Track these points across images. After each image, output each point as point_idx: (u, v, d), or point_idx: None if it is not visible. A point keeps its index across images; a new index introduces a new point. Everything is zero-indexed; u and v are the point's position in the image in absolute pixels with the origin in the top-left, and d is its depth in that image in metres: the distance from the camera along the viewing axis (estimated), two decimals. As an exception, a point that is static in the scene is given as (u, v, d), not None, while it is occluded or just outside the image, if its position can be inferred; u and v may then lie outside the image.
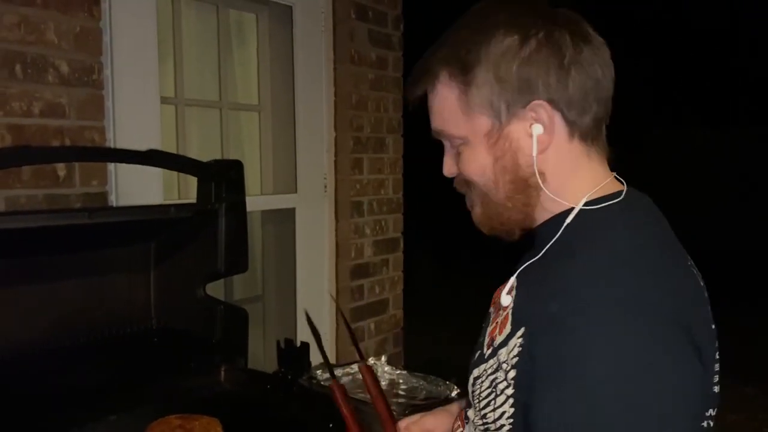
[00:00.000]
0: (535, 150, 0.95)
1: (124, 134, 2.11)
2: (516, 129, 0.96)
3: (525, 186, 0.97)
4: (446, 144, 1.05)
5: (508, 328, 0.94)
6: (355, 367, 2.16)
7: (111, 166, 2.07)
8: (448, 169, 1.05)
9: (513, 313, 0.95)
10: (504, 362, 0.92)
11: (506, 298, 0.99)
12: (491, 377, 0.95)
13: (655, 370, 0.82)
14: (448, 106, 0.99)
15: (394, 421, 1.32)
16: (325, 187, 3.00)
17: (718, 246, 9.22)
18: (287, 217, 2.92)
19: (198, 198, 1.94)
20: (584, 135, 0.96)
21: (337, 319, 3.03)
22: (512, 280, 1.00)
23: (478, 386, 0.98)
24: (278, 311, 3.01)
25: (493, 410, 0.95)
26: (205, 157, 2.07)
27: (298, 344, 2.05)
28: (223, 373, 1.96)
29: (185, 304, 2.00)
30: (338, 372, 2.01)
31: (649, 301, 0.84)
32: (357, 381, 2.08)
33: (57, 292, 1.79)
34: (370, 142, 3.12)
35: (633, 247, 0.90)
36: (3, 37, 1.79)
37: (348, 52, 2.96)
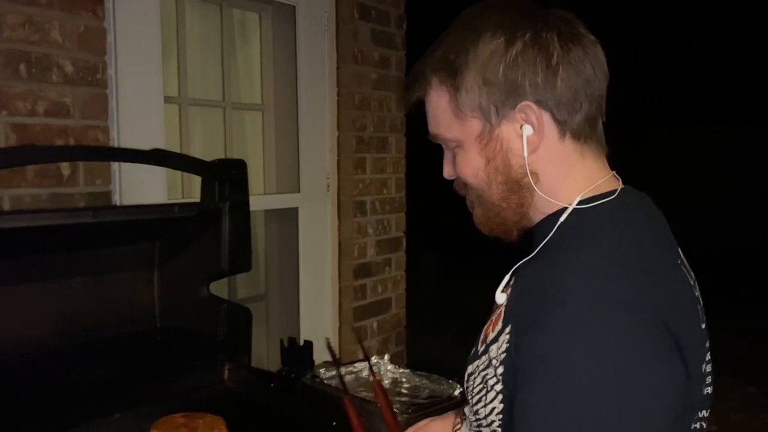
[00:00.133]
0: (526, 151, 0.96)
1: (128, 134, 2.12)
2: (506, 130, 0.97)
3: (518, 187, 0.99)
4: (444, 147, 1.06)
5: (499, 325, 0.95)
6: (358, 366, 2.17)
7: (115, 165, 2.08)
8: (447, 172, 1.07)
9: (505, 311, 0.96)
10: (494, 358, 0.94)
11: (500, 296, 1.00)
12: (483, 373, 0.96)
13: (630, 366, 0.82)
14: (440, 111, 1.01)
15: (399, 429, 1.34)
16: (328, 186, 3.00)
17: (720, 246, 9.23)
18: (290, 216, 2.92)
19: (202, 197, 1.94)
20: (576, 134, 0.97)
21: (340, 319, 3.04)
22: (506, 278, 1.02)
23: (471, 382, 0.99)
24: (281, 310, 3.02)
25: (484, 406, 0.96)
26: (208, 156, 2.08)
27: (302, 343, 2.06)
28: (226, 371, 1.96)
29: (189, 302, 2.00)
30: (342, 370, 2.02)
31: (626, 298, 0.84)
32: (360, 379, 2.09)
33: (61, 291, 1.80)
34: (373, 142, 3.12)
35: (618, 244, 0.90)
36: (7, 36, 1.79)
37: (351, 52, 2.97)
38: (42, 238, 1.64)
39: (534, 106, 0.94)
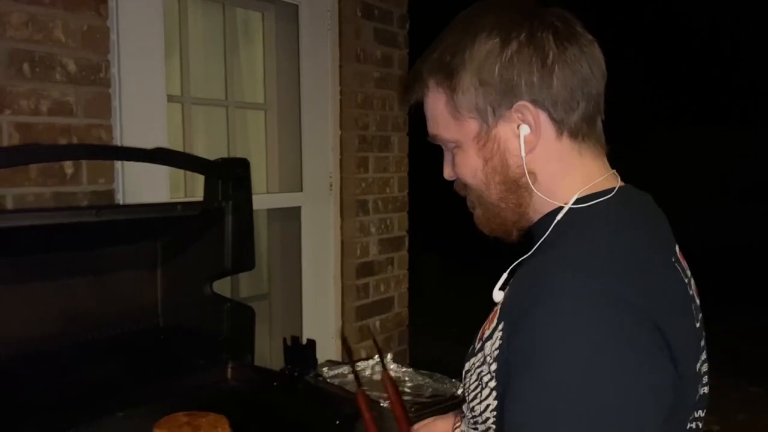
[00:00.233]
0: (523, 150, 0.96)
1: (131, 132, 2.12)
2: (503, 130, 0.97)
3: (516, 187, 0.99)
4: (444, 148, 1.07)
5: (494, 323, 0.96)
6: (362, 364, 2.17)
7: (118, 164, 2.08)
8: (447, 172, 1.07)
9: (500, 308, 0.97)
10: (488, 355, 0.94)
11: (498, 295, 1.01)
12: (478, 370, 0.96)
13: (613, 362, 0.82)
14: (438, 112, 1.01)
15: (410, 423, 1.34)
16: (331, 185, 3.00)
17: (720, 246, 9.21)
18: (293, 215, 2.92)
19: (205, 196, 1.94)
20: (573, 133, 0.97)
21: (343, 317, 3.04)
22: (504, 276, 1.02)
23: (468, 380, 1.00)
24: (284, 309, 3.02)
25: (480, 403, 0.96)
26: (210, 155, 2.08)
27: (305, 342, 2.06)
28: (230, 370, 1.96)
29: (192, 301, 2.00)
30: (347, 368, 2.02)
31: (611, 295, 0.84)
32: (363, 378, 2.09)
33: (64, 290, 1.80)
34: (376, 141, 3.12)
35: (609, 241, 0.90)
36: (11, 35, 1.80)
37: (353, 51, 2.97)
38: (45, 236, 1.64)
39: (530, 105, 0.95)
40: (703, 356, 0.98)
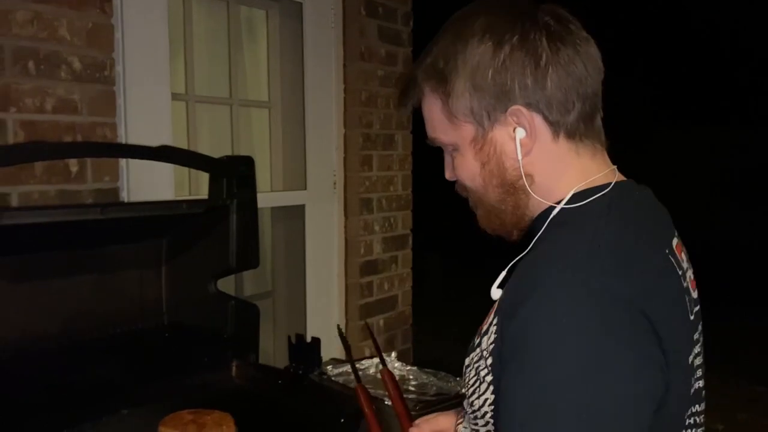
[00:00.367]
0: (520, 154, 0.97)
1: (136, 130, 2.12)
2: (499, 134, 0.98)
3: (513, 189, 0.99)
4: (444, 150, 1.07)
5: (491, 318, 0.97)
6: (365, 363, 2.17)
7: (123, 162, 2.08)
8: (448, 174, 1.08)
9: (498, 305, 0.98)
10: (485, 350, 0.95)
11: (495, 292, 1.01)
12: (476, 365, 0.97)
13: (599, 353, 0.82)
14: (435, 116, 1.02)
15: (411, 418, 1.35)
16: (335, 183, 3.00)
17: (723, 247, 9.20)
18: (297, 213, 2.92)
19: (210, 194, 1.94)
20: (570, 133, 0.97)
21: (347, 316, 3.04)
22: (502, 274, 1.03)
23: (467, 375, 1.00)
24: (288, 307, 3.02)
25: (478, 398, 0.97)
26: (215, 153, 2.08)
27: (309, 340, 2.06)
28: (234, 368, 1.96)
29: (197, 299, 2.00)
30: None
31: (596, 287, 0.84)
32: (367, 377, 2.09)
33: (69, 288, 1.80)
34: (380, 139, 3.12)
35: (599, 235, 0.90)
36: (16, 33, 1.80)
37: (357, 49, 2.96)
38: (50, 234, 1.64)
39: (524, 109, 0.95)
40: (697, 349, 0.98)
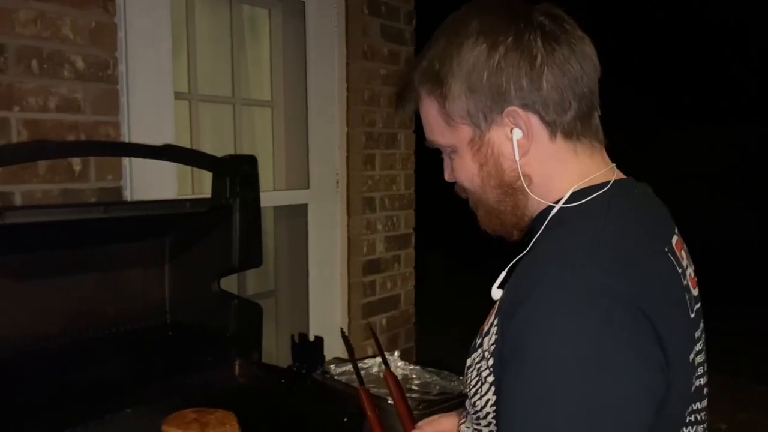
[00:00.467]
0: (517, 154, 0.97)
1: (139, 129, 2.12)
2: (496, 135, 0.98)
3: (512, 190, 1.00)
4: (443, 152, 1.08)
5: (492, 318, 0.97)
6: (368, 362, 2.17)
7: (126, 160, 2.08)
8: (447, 175, 1.08)
9: (498, 305, 0.98)
10: (486, 350, 0.95)
11: (496, 293, 1.01)
12: (478, 366, 0.97)
13: (597, 352, 0.82)
14: (432, 119, 1.02)
15: (413, 420, 1.35)
16: (337, 182, 3.00)
17: (723, 246, 9.18)
18: (300, 212, 2.92)
19: (213, 193, 1.94)
20: (567, 133, 0.97)
21: (349, 315, 3.04)
22: (503, 274, 1.03)
23: (469, 375, 1.00)
24: (291, 306, 3.02)
25: (480, 398, 0.97)
26: (217, 152, 2.08)
27: (312, 339, 2.05)
28: (237, 367, 1.96)
29: (200, 298, 2.00)
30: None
31: (594, 285, 0.84)
32: (370, 376, 2.08)
33: (72, 287, 1.80)
34: (382, 138, 3.11)
35: (597, 233, 0.90)
36: (19, 32, 1.80)
37: (360, 48, 2.96)
38: (53, 233, 1.64)
39: (520, 110, 0.95)
40: (698, 347, 0.98)
